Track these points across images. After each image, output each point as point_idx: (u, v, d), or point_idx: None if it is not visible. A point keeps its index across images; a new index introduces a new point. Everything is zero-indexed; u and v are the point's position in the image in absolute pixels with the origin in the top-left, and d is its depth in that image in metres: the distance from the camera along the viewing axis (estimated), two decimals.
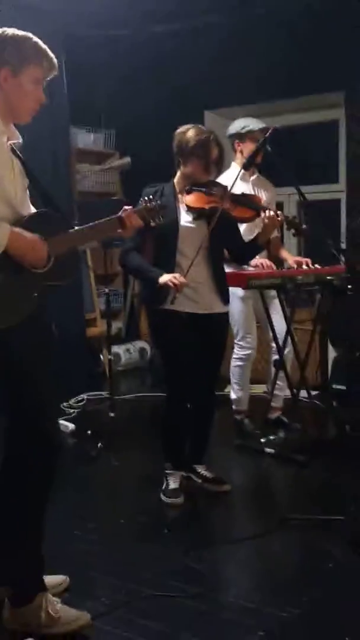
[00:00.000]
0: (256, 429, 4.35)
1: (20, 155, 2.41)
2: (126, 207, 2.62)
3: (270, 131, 3.61)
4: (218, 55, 5.86)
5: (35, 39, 2.34)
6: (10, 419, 2.35)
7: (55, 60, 2.37)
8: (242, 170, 3.97)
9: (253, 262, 4.15)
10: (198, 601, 2.55)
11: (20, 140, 2.43)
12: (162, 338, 3.50)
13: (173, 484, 3.48)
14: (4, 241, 2.21)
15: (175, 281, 3.19)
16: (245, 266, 4.12)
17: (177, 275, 3.22)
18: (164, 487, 3.48)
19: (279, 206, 4.68)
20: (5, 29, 2.32)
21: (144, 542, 3.05)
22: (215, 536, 3.10)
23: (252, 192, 4.17)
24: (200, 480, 3.61)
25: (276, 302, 4.14)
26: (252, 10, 5.64)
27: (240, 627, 2.39)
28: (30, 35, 2.34)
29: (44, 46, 2.34)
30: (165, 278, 3.22)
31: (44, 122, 5.51)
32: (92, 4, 5.39)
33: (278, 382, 4.31)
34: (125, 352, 6.32)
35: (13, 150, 2.38)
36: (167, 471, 3.52)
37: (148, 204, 2.67)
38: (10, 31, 2.32)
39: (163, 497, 3.45)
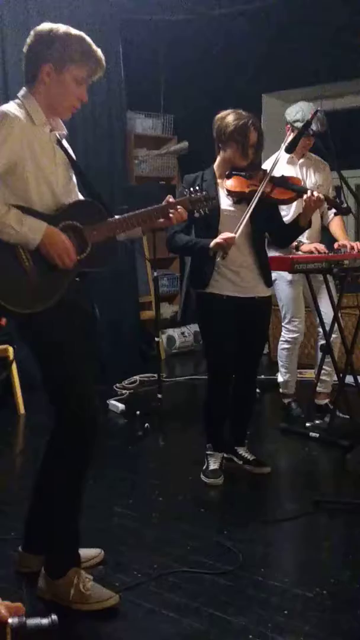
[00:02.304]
0: (302, 413, 4.36)
1: (65, 146, 2.47)
2: (170, 197, 2.64)
3: (313, 114, 3.57)
4: (276, 38, 5.81)
5: (88, 39, 2.37)
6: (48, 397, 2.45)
7: (103, 62, 2.40)
8: (287, 154, 3.95)
9: (306, 247, 4.14)
10: (226, 578, 2.60)
11: (65, 132, 2.49)
12: (203, 321, 3.54)
13: (213, 464, 3.53)
14: (39, 236, 2.28)
15: (225, 237, 3.19)
16: (296, 251, 4.11)
17: (225, 234, 3.21)
18: (204, 468, 3.54)
19: (337, 189, 4.60)
20: (59, 26, 2.36)
21: (180, 520, 3.11)
22: (250, 517, 3.12)
23: (298, 175, 4.14)
24: (240, 462, 3.65)
25: (325, 287, 4.11)
26: None
27: (265, 604, 2.43)
28: (82, 35, 2.36)
29: (94, 47, 2.37)
30: (215, 241, 3.22)
31: (101, 107, 5.61)
32: None
33: (325, 367, 4.29)
34: (180, 336, 6.38)
35: (58, 142, 2.44)
36: (207, 452, 3.57)
37: (192, 195, 2.69)
38: (63, 29, 2.35)
39: (203, 478, 3.51)
